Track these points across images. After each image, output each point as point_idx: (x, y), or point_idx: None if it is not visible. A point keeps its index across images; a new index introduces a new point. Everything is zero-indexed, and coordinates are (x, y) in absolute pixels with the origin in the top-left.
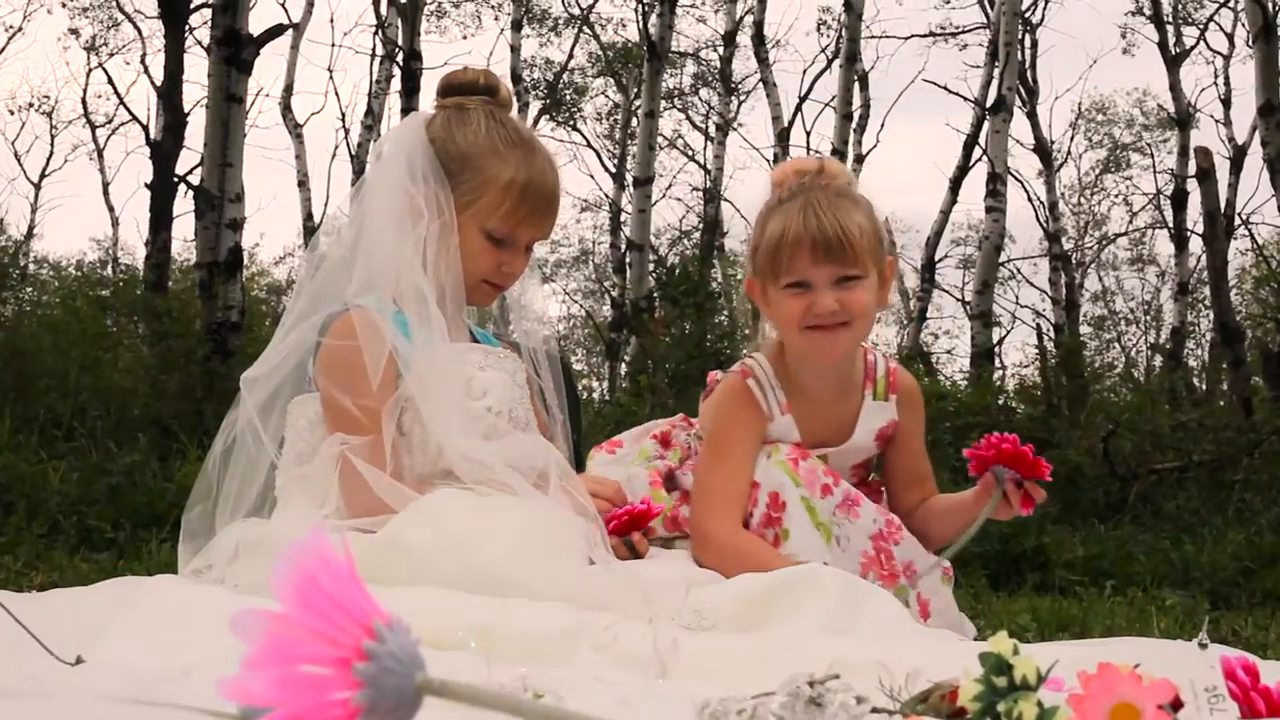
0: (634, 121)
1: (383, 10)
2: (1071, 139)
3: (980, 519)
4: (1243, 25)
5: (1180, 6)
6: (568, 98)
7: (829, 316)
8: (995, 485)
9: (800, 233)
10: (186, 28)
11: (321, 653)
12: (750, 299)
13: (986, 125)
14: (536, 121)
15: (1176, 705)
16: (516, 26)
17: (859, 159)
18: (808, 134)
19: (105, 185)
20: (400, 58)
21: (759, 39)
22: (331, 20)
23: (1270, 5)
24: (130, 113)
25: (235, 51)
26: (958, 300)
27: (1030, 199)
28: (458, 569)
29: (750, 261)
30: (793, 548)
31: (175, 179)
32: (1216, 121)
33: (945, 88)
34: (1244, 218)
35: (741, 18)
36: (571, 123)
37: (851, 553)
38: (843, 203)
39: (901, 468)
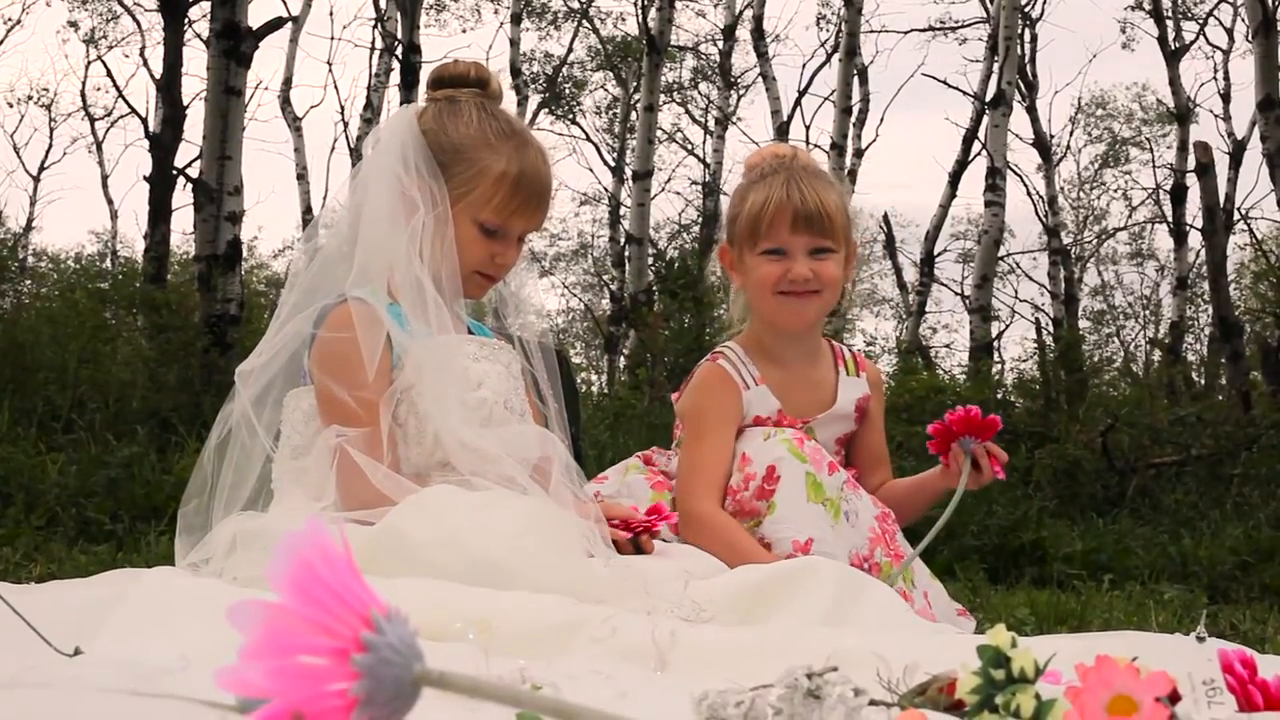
0: (633, 115)
1: (382, 4)
2: (1071, 133)
3: (960, 492)
4: (1242, 20)
5: (1180, 1)
6: (567, 91)
7: (802, 283)
8: (963, 457)
9: (783, 202)
10: (185, 21)
11: (319, 644)
12: (722, 265)
13: (986, 119)
14: (536, 115)
15: (1174, 698)
16: (516, 20)
17: (858, 153)
18: (807, 128)
19: (104, 178)
20: (399, 51)
21: (758, 33)
22: (331, 13)
23: (1269, 0)
24: (129, 105)
25: (234, 44)
26: (957, 294)
27: (1029, 193)
28: (456, 561)
29: (727, 230)
30: (776, 520)
31: (174, 172)
32: (1216, 116)
33: (945, 82)
34: (1243, 212)
35: (741, 12)
36: (571, 116)
37: (860, 528)
38: (821, 181)
39: (867, 448)
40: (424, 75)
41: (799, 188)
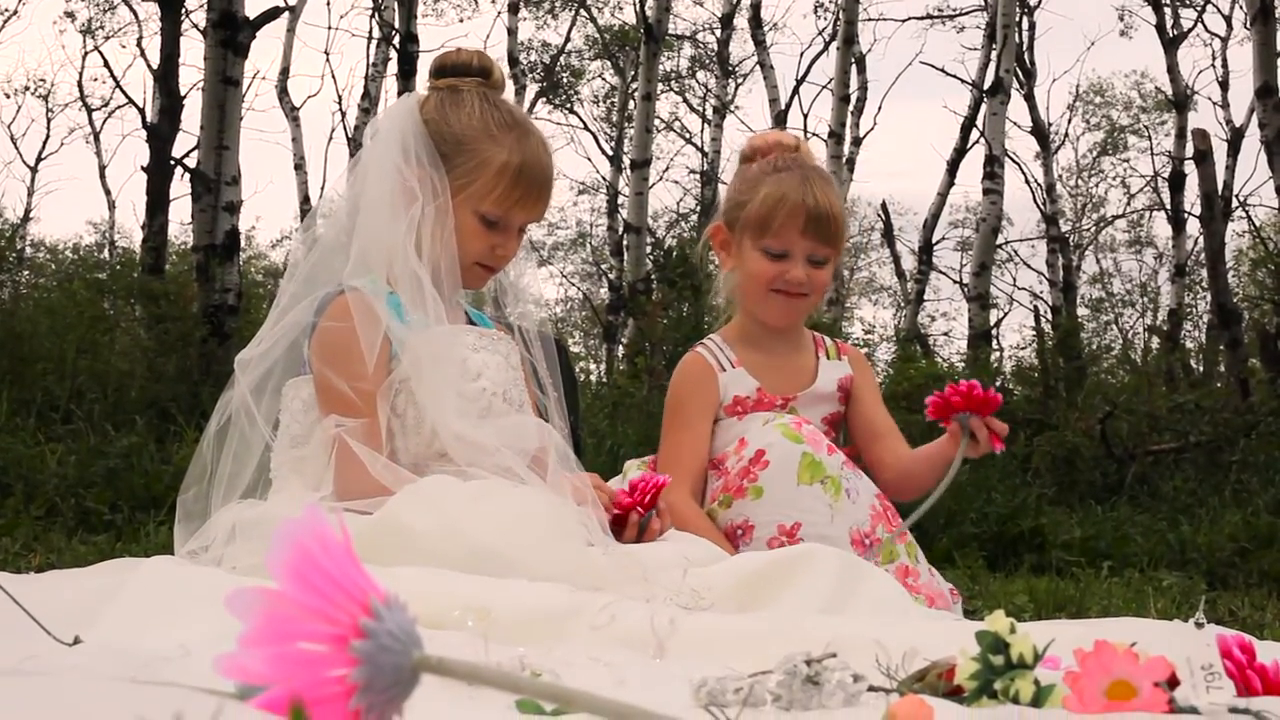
0: (631, 104)
1: None
2: (1069, 121)
3: (955, 464)
4: (1240, 7)
5: None
6: (565, 80)
7: (797, 286)
8: (961, 431)
9: (799, 204)
10: (182, 10)
11: (318, 630)
12: (711, 243)
13: (984, 107)
14: (533, 104)
15: (1173, 683)
16: (513, 9)
17: (856, 141)
18: (805, 116)
19: (102, 168)
20: (397, 41)
21: (756, 21)
22: (328, 3)
23: None
24: (126, 96)
25: (231, 34)
26: (955, 282)
27: (1028, 181)
28: (455, 549)
29: (728, 212)
30: (762, 504)
31: (172, 162)
32: (1214, 103)
33: (943, 70)
34: (1241, 199)
35: (739, 0)
36: (568, 105)
37: (861, 505)
38: (831, 187)
39: (865, 422)
40: (421, 65)
41: (814, 192)
